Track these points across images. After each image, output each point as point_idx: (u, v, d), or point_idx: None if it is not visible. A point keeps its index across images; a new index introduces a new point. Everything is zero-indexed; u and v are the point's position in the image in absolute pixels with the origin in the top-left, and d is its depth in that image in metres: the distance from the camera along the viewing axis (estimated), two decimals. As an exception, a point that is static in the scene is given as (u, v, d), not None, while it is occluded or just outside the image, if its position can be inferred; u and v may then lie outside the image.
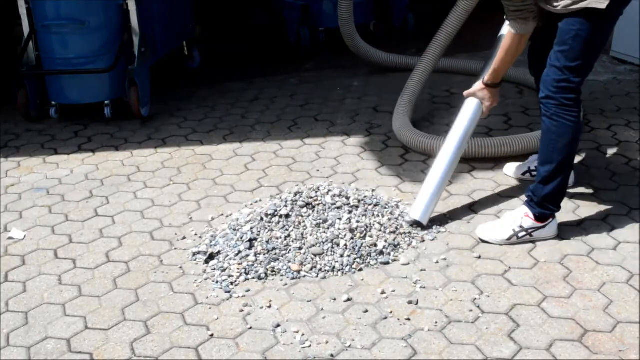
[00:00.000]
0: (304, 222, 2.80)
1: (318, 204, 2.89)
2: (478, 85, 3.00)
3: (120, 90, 4.21)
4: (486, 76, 2.95)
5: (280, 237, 2.73)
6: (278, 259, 2.66)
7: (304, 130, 4.01)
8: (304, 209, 2.87)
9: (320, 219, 2.80)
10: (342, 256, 2.66)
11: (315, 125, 4.08)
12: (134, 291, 2.58)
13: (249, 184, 3.39)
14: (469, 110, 3.02)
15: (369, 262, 2.65)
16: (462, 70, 4.75)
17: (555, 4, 2.60)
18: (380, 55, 4.91)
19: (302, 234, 2.74)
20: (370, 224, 2.81)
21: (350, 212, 2.87)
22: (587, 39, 2.59)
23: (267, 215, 2.84)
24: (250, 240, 2.72)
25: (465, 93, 3.06)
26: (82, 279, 2.68)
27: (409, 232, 2.83)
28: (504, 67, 2.88)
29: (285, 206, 2.87)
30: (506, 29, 2.81)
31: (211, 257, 2.72)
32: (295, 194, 2.97)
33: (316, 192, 2.98)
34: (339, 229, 2.76)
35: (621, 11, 2.65)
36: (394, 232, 2.81)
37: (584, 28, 2.57)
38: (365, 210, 2.90)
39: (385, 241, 2.74)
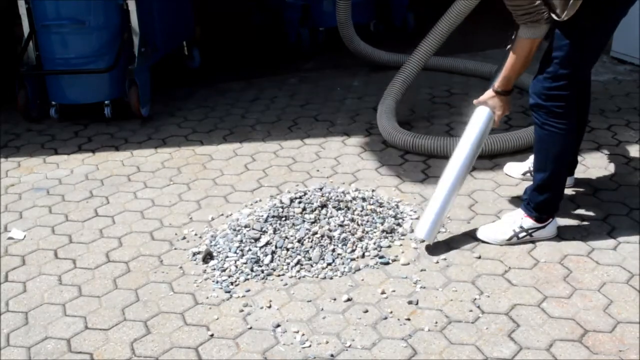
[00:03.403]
0: (303, 222, 2.80)
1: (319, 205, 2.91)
2: (488, 93, 2.79)
3: (120, 90, 4.21)
4: (496, 83, 2.76)
5: (281, 237, 2.73)
6: (278, 259, 2.66)
7: (304, 130, 4.01)
8: (304, 209, 2.87)
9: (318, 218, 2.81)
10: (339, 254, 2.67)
11: (315, 125, 4.08)
12: (134, 291, 2.58)
13: (249, 184, 3.39)
14: (479, 120, 2.82)
15: (367, 263, 2.66)
16: (454, 70, 4.79)
17: (561, 15, 2.47)
18: (381, 54, 4.91)
19: (302, 234, 2.74)
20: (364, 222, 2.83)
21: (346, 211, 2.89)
22: (583, 45, 2.51)
23: (267, 215, 2.84)
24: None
25: (475, 101, 2.85)
26: (82, 279, 2.68)
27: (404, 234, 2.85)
28: (515, 73, 2.70)
29: (285, 206, 2.87)
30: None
31: (211, 257, 2.72)
32: (295, 193, 2.97)
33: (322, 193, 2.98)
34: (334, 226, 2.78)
35: (624, 11, 2.55)
36: (390, 232, 2.83)
37: (581, 34, 2.48)
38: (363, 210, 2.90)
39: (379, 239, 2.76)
